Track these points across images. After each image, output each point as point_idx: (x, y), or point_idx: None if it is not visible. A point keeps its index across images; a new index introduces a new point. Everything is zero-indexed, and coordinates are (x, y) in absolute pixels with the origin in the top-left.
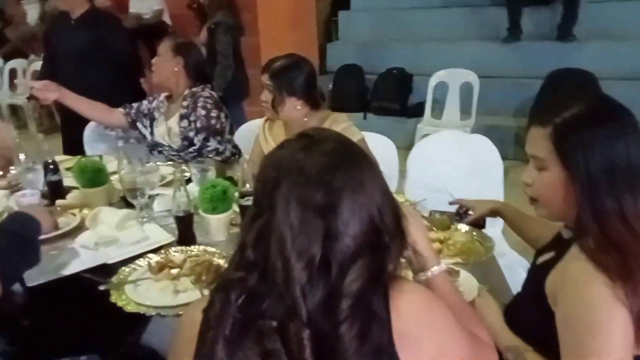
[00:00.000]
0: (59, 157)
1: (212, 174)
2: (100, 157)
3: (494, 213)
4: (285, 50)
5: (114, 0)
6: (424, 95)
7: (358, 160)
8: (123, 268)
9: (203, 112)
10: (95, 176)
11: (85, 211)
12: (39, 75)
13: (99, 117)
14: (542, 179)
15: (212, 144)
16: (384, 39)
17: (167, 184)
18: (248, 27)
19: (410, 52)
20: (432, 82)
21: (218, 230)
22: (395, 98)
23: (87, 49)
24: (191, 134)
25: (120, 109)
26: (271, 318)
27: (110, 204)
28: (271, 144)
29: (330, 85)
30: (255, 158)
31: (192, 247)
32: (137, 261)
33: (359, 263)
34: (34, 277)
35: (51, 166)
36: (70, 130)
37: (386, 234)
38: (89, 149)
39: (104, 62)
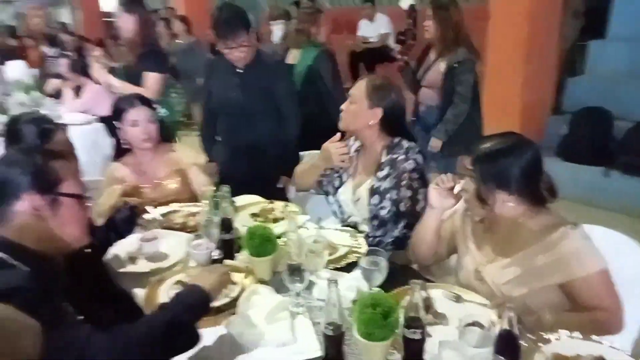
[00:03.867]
0: (249, 198)
1: (384, 269)
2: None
3: None
4: (513, 85)
5: (345, 21)
6: None
7: None
8: None
9: (408, 194)
10: (262, 245)
11: (247, 280)
12: (201, 124)
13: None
14: None
15: None
16: None
17: (338, 260)
18: None
19: None
20: None
21: (372, 358)
22: None
23: (256, 98)
24: (383, 212)
25: None
26: None
27: (275, 273)
28: (469, 242)
29: (565, 128)
30: (443, 248)
31: None
32: None
33: None
34: None
35: (226, 223)
36: None
37: None
38: None
39: (272, 112)
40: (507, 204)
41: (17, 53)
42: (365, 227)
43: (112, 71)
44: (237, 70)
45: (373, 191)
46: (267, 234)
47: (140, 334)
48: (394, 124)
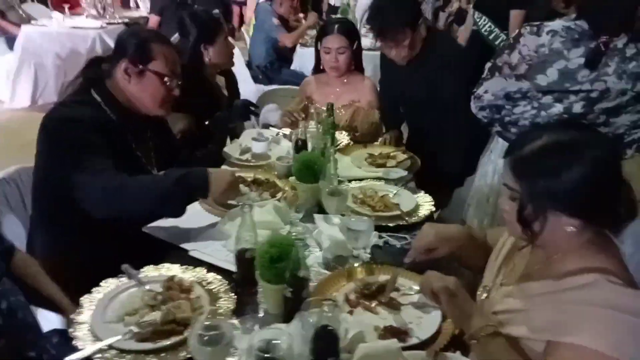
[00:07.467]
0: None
1: (363, 236)
2: None
3: None
4: None
5: None
6: None
7: None
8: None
9: None
10: (303, 170)
11: (289, 196)
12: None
13: None
14: None
15: None
16: None
17: (380, 219)
18: None
19: None
20: None
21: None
22: None
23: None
24: None
25: None
26: None
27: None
28: (500, 258)
29: None
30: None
31: None
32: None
33: None
34: (156, 230)
35: (298, 143)
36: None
37: None
38: None
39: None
40: (564, 230)
41: None
42: None
43: None
44: None
45: None
46: (312, 164)
47: (137, 187)
48: None
